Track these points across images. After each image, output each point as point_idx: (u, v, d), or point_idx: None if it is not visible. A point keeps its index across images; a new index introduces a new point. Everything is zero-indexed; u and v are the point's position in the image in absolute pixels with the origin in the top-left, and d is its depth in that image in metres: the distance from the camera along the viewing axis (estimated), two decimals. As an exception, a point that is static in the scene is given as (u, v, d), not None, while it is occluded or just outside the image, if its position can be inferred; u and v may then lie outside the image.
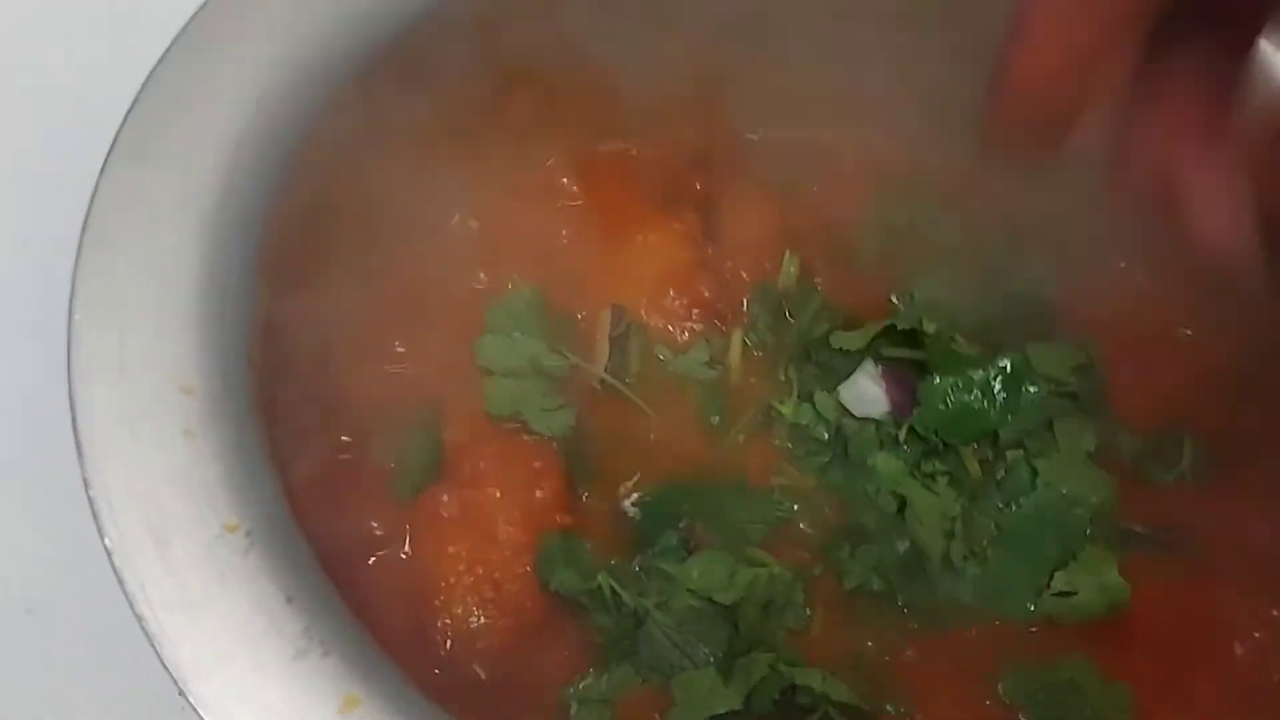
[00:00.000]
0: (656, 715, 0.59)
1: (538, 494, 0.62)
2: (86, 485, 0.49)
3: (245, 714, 0.45)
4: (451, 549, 0.61)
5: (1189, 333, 0.70)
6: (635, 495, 0.65)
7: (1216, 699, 0.60)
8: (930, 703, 0.60)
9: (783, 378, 0.68)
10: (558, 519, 0.62)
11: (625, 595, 0.60)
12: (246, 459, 0.52)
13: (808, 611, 0.62)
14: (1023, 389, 0.64)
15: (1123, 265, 0.72)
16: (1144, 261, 0.71)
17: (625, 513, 0.65)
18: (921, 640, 0.62)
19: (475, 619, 0.60)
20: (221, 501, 0.50)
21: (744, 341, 0.69)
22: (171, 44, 0.58)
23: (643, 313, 0.69)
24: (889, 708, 0.60)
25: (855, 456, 0.65)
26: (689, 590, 0.60)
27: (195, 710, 0.45)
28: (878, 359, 0.66)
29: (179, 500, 0.49)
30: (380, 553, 0.61)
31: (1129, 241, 0.70)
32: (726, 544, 0.63)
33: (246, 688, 0.46)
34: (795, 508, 0.65)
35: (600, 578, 0.60)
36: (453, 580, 0.60)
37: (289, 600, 0.48)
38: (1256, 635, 0.61)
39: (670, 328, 0.69)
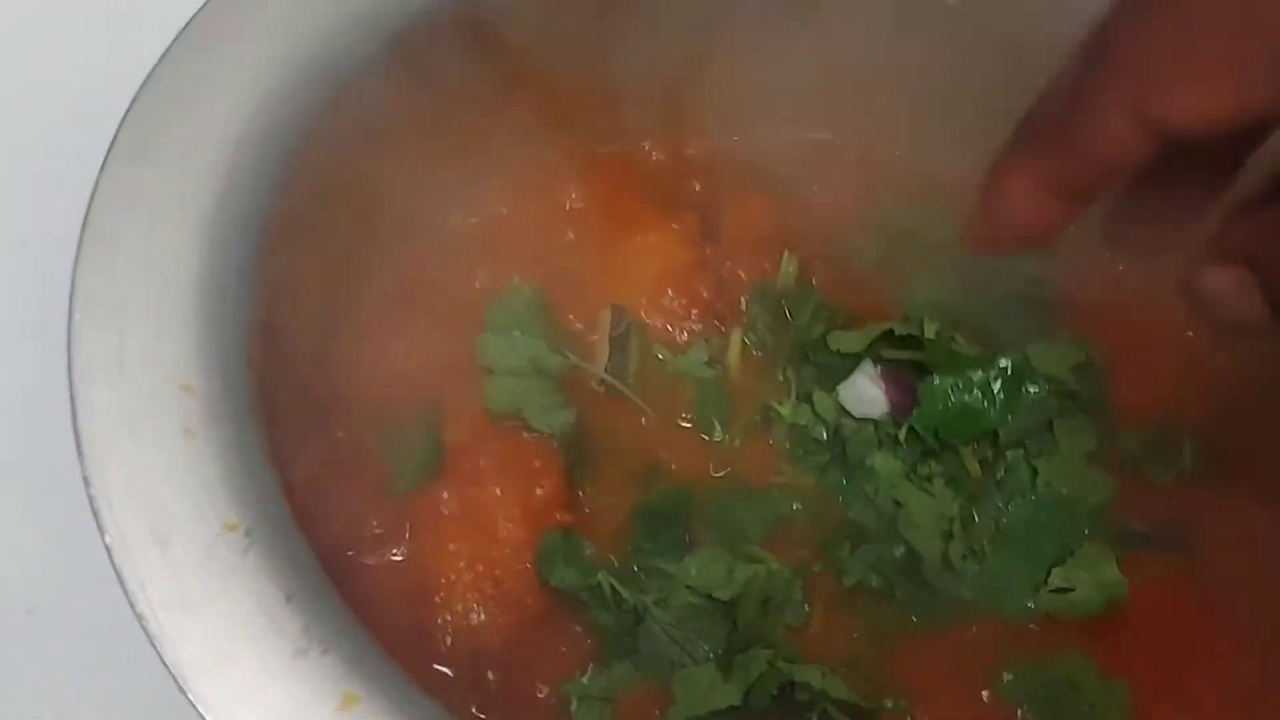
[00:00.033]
0: (656, 712, 0.59)
1: (538, 492, 0.62)
2: (86, 484, 0.48)
3: (245, 712, 0.45)
4: (452, 546, 0.61)
5: (1189, 333, 0.70)
6: (634, 494, 0.65)
7: (1214, 696, 0.60)
8: (929, 699, 0.60)
9: (781, 378, 0.68)
10: (557, 517, 0.62)
11: (625, 592, 0.60)
12: (246, 458, 0.52)
13: (806, 608, 0.62)
14: (1022, 389, 0.64)
15: (1122, 266, 0.72)
16: (1142, 262, 0.71)
17: (624, 511, 0.65)
18: (920, 637, 0.62)
19: (475, 616, 0.60)
20: (221, 500, 0.50)
21: (743, 341, 0.70)
22: (172, 43, 0.58)
23: (642, 313, 0.69)
24: (888, 704, 0.60)
25: (854, 457, 0.65)
26: (688, 587, 0.60)
27: (196, 709, 0.45)
28: (877, 359, 0.66)
29: (179, 499, 0.49)
30: (380, 551, 0.61)
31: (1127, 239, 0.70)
32: (725, 542, 0.63)
33: (246, 686, 0.46)
34: (795, 507, 0.65)
35: (600, 575, 0.60)
36: (453, 577, 0.60)
37: (289, 599, 0.48)
38: (1254, 633, 0.62)
39: (669, 327, 0.70)
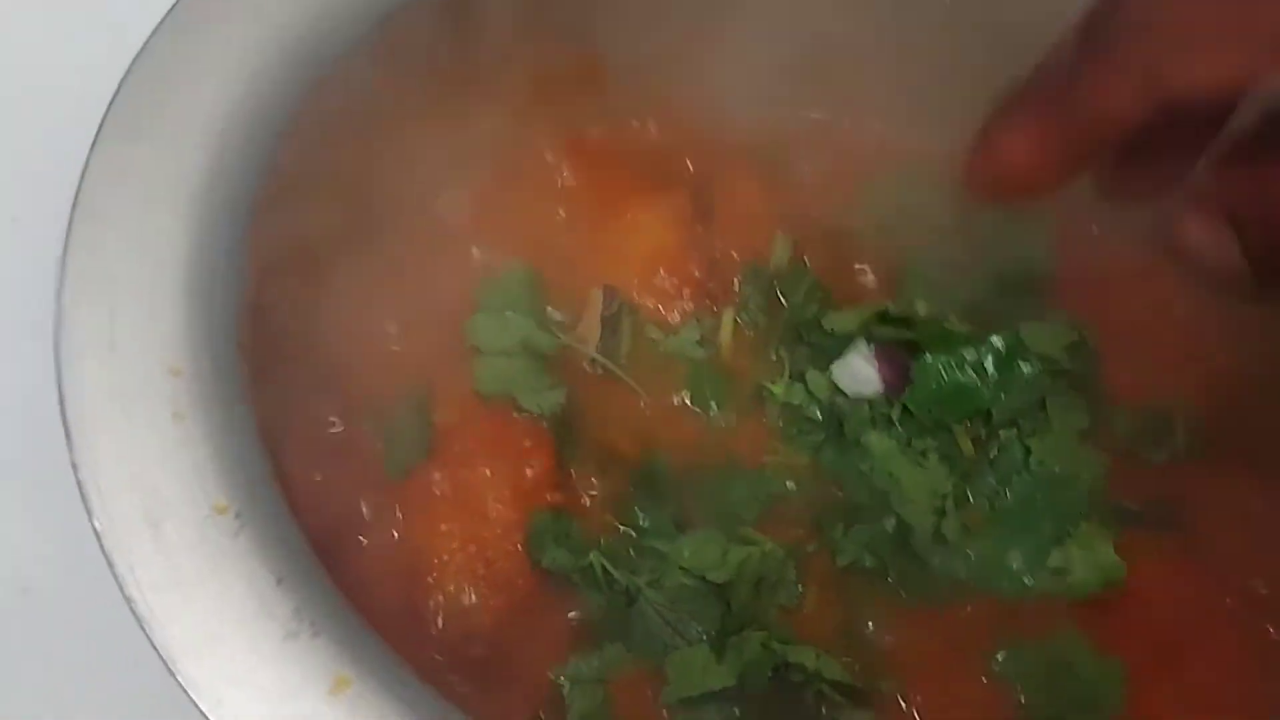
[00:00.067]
0: (649, 694, 0.59)
1: (528, 472, 0.62)
2: (75, 468, 0.48)
3: (235, 695, 0.45)
4: (443, 527, 0.61)
5: (1181, 311, 0.70)
6: (626, 474, 0.65)
7: (1209, 674, 0.60)
8: (923, 679, 0.60)
9: (774, 357, 0.68)
10: (548, 497, 0.62)
11: (617, 574, 0.60)
12: (236, 440, 0.52)
13: (800, 589, 0.62)
14: (1015, 367, 0.64)
15: (1114, 244, 0.72)
16: (1136, 240, 0.71)
17: (615, 492, 0.64)
18: (915, 617, 0.62)
19: (467, 597, 0.60)
20: (211, 483, 0.50)
21: (735, 321, 0.69)
22: (161, 22, 0.58)
23: (634, 292, 0.69)
24: (882, 685, 0.60)
25: (848, 436, 0.65)
26: (681, 568, 0.60)
27: (185, 692, 0.45)
28: (870, 338, 0.66)
29: (168, 482, 0.49)
30: (371, 532, 0.61)
31: (1122, 220, 0.70)
32: (719, 523, 0.63)
33: (236, 669, 0.46)
34: (788, 486, 0.65)
35: (592, 556, 0.60)
36: (445, 558, 0.60)
37: (279, 581, 0.48)
38: (1249, 611, 0.62)
39: (661, 307, 0.69)
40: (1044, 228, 0.71)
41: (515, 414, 0.64)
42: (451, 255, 0.69)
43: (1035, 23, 0.64)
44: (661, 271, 0.69)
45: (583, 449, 0.65)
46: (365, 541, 0.61)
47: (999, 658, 0.61)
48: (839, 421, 0.65)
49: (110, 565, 0.47)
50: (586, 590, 0.61)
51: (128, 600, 0.46)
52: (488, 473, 0.62)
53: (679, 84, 0.73)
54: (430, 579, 0.60)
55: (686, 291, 0.70)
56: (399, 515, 0.62)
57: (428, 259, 0.68)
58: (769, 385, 0.67)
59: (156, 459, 0.49)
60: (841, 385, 0.65)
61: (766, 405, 0.67)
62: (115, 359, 0.51)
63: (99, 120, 0.55)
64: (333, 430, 0.63)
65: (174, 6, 0.58)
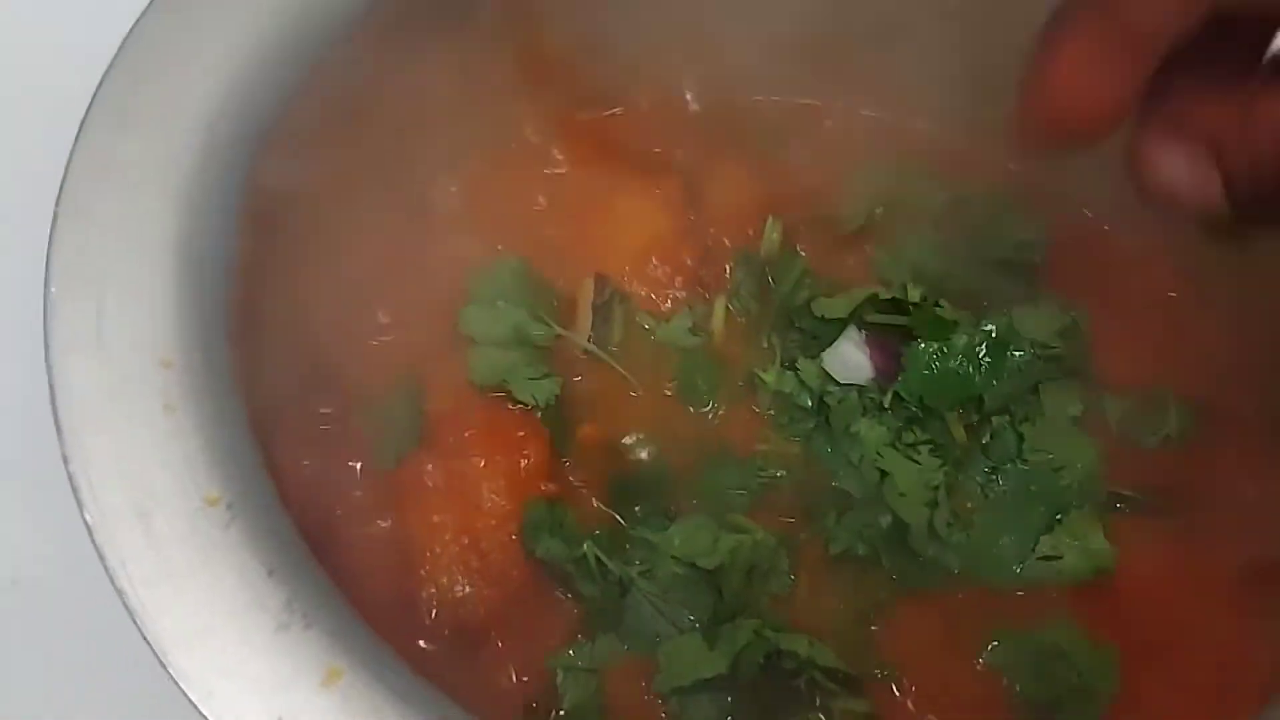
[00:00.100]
0: (643, 683, 0.59)
1: (522, 462, 0.62)
2: (66, 461, 0.48)
3: (227, 687, 0.45)
4: (436, 518, 0.61)
5: (1173, 295, 0.70)
6: (619, 463, 0.65)
7: (1202, 661, 0.60)
8: (916, 667, 0.60)
9: (766, 345, 0.68)
10: (542, 487, 0.62)
11: (611, 564, 0.60)
12: (227, 432, 0.52)
13: (792, 577, 0.62)
14: (1007, 354, 0.64)
15: (1107, 229, 0.72)
16: (1128, 225, 0.71)
17: (608, 480, 0.64)
18: (907, 605, 0.62)
19: (460, 589, 0.60)
20: (202, 475, 0.50)
21: (727, 309, 0.69)
22: (146, 9, 0.57)
23: (626, 281, 0.69)
24: (875, 672, 0.60)
25: (839, 424, 0.65)
26: (673, 557, 0.60)
27: (176, 683, 0.45)
28: (861, 325, 0.65)
29: (159, 474, 0.49)
30: (364, 524, 0.61)
31: (1113, 205, 0.70)
32: (711, 511, 0.63)
33: (228, 661, 0.46)
34: (780, 474, 0.65)
35: (586, 546, 0.60)
36: (438, 550, 0.60)
37: (271, 573, 0.48)
38: (1241, 596, 0.62)
39: (653, 296, 0.69)
40: (1036, 213, 0.71)
41: (509, 404, 0.64)
42: (443, 245, 0.69)
43: (1030, 8, 0.64)
44: (653, 260, 0.69)
45: (576, 438, 0.65)
46: (358, 532, 0.61)
47: (992, 645, 0.61)
48: (830, 410, 0.65)
49: (101, 558, 0.47)
50: (580, 580, 0.61)
51: (119, 593, 0.46)
52: (481, 463, 0.62)
53: (671, 71, 0.73)
54: (424, 571, 0.60)
55: (678, 279, 0.69)
56: (392, 507, 0.62)
57: (419, 249, 0.68)
58: (761, 373, 0.66)
59: (147, 451, 0.49)
60: (833, 372, 0.65)
61: (758, 393, 0.67)
62: (105, 352, 0.50)
63: (85, 111, 0.55)
64: (324, 422, 0.63)
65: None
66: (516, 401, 0.64)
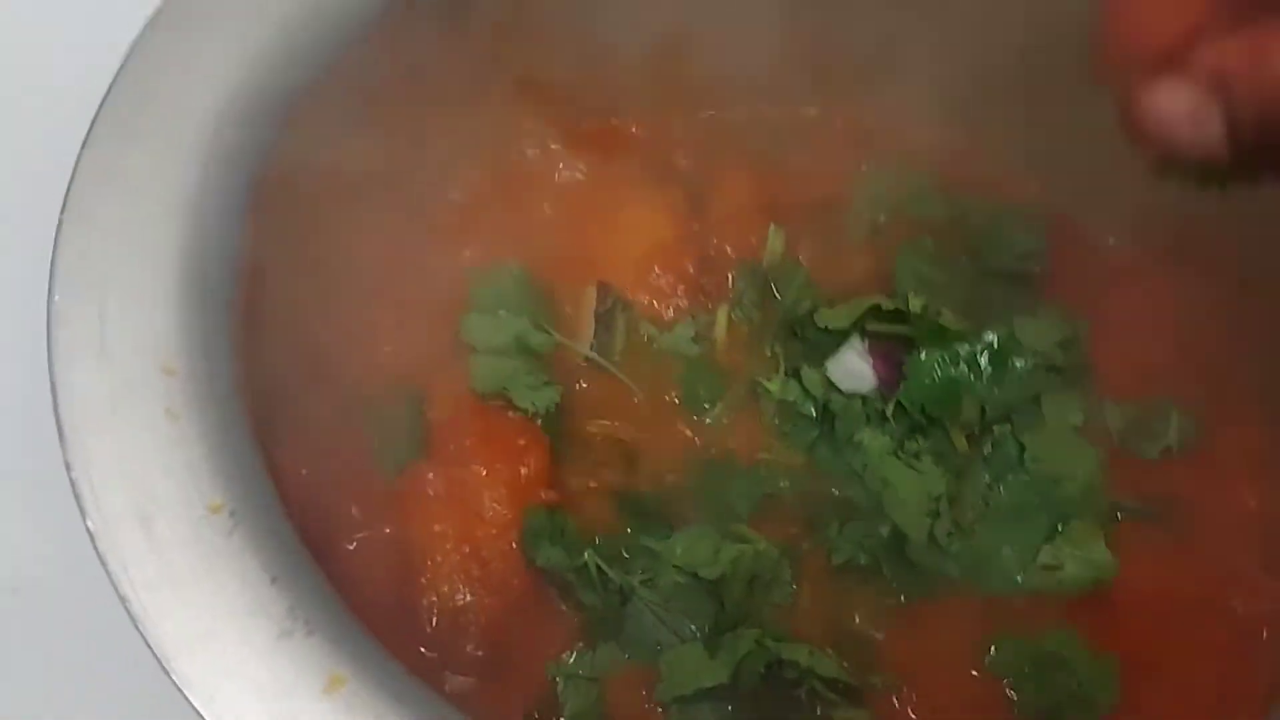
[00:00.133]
0: (643, 691, 0.59)
1: (523, 471, 0.62)
2: (68, 467, 0.48)
3: (229, 693, 0.45)
4: (437, 527, 0.61)
5: (1174, 306, 0.70)
6: (620, 472, 0.65)
7: (1201, 671, 0.60)
8: (917, 676, 0.60)
9: (769, 354, 0.68)
10: (543, 495, 0.62)
11: (612, 572, 0.60)
12: (230, 440, 0.52)
13: (794, 587, 0.62)
14: (1009, 363, 0.64)
15: (1109, 241, 0.72)
16: (1129, 236, 0.71)
17: (610, 489, 0.64)
18: (908, 614, 0.62)
19: (461, 597, 0.60)
20: (205, 482, 0.50)
21: (730, 318, 0.69)
22: (152, 18, 0.57)
23: (628, 289, 0.69)
24: (876, 681, 0.60)
25: (842, 433, 0.65)
26: (674, 566, 0.60)
27: (179, 690, 0.45)
28: (864, 334, 0.65)
29: (162, 481, 0.49)
30: (365, 532, 0.61)
31: (1114, 216, 0.70)
32: (712, 520, 0.63)
33: (231, 667, 0.46)
34: (782, 484, 0.65)
35: (587, 555, 0.60)
36: (439, 558, 0.60)
37: (273, 580, 0.48)
38: (1242, 606, 0.62)
39: (656, 304, 0.69)
40: (1037, 223, 0.71)
41: (510, 412, 0.64)
42: (445, 253, 0.69)
43: (1030, 19, 0.64)
44: (656, 268, 0.69)
45: (577, 447, 0.65)
46: (360, 540, 0.61)
47: (992, 654, 0.61)
48: (833, 419, 0.65)
49: (104, 564, 0.47)
50: (581, 589, 0.61)
51: (122, 599, 0.46)
52: (483, 471, 0.62)
53: (674, 80, 0.73)
54: (425, 579, 0.60)
55: (681, 288, 0.69)
56: (393, 515, 0.62)
57: (421, 257, 0.68)
58: (764, 382, 0.66)
59: (150, 458, 0.49)
60: (836, 381, 0.65)
61: (761, 402, 0.67)
62: (107, 358, 0.50)
63: (91, 119, 0.55)
64: (327, 429, 0.63)
65: (164, 4, 0.58)
66: (517, 409, 0.64)
